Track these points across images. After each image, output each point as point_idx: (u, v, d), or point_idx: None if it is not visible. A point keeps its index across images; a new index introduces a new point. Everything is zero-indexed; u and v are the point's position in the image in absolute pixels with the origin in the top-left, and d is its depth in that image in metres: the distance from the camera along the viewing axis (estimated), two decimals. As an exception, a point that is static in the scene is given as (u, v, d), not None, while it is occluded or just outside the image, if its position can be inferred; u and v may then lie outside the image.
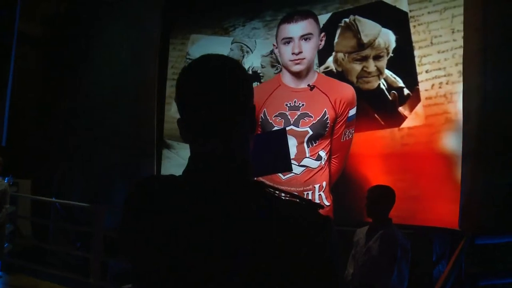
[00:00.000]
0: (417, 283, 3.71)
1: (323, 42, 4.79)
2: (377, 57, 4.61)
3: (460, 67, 4.17)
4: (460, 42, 4.20)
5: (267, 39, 5.30)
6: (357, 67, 4.69)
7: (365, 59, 4.66)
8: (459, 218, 4.02)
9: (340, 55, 4.81)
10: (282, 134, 1.31)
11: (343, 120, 4.62)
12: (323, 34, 4.80)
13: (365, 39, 4.67)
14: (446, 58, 4.27)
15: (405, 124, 4.42)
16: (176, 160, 5.72)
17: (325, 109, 4.63)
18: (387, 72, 4.55)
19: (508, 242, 3.83)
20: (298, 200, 0.94)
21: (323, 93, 4.67)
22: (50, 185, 6.63)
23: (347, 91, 4.64)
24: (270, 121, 4.77)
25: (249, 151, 0.92)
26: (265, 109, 4.85)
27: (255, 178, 0.92)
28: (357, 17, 4.74)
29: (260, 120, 4.83)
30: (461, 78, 4.17)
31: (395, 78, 4.52)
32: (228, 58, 0.95)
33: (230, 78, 0.89)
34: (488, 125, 4.10)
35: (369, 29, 4.66)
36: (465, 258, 3.55)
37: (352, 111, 4.61)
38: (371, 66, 4.63)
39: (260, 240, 0.79)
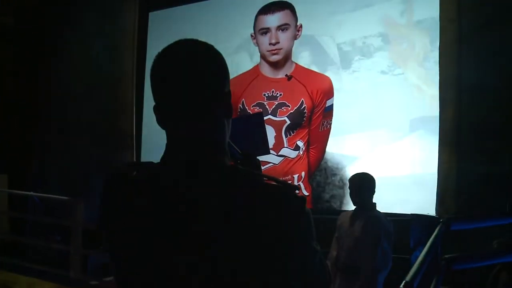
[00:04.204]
0: (395, 269, 3.76)
1: (300, 33, 4.81)
2: None
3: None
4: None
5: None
6: None
7: None
8: (436, 204, 4.11)
9: None
10: (258, 117, 1.29)
11: (320, 111, 4.65)
12: (300, 24, 4.81)
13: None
14: None
15: None
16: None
17: (302, 99, 4.66)
18: None
19: (482, 227, 3.89)
20: (275, 182, 0.95)
21: (301, 83, 4.70)
22: (26, 179, 6.53)
23: (324, 82, 4.68)
24: (249, 111, 4.78)
25: (225, 136, 0.91)
26: (243, 99, 4.87)
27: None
28: None
29: (239, 110, 4.85)
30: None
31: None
32: (201, 42, 0.92)
33: (203, 63, 0.88)
34: (464, 114, 4.17)
35: None
36: (441, 243, 3.59)
37: (330, 102, 4.65)
38: None
39: (239, 221, 0.80)
